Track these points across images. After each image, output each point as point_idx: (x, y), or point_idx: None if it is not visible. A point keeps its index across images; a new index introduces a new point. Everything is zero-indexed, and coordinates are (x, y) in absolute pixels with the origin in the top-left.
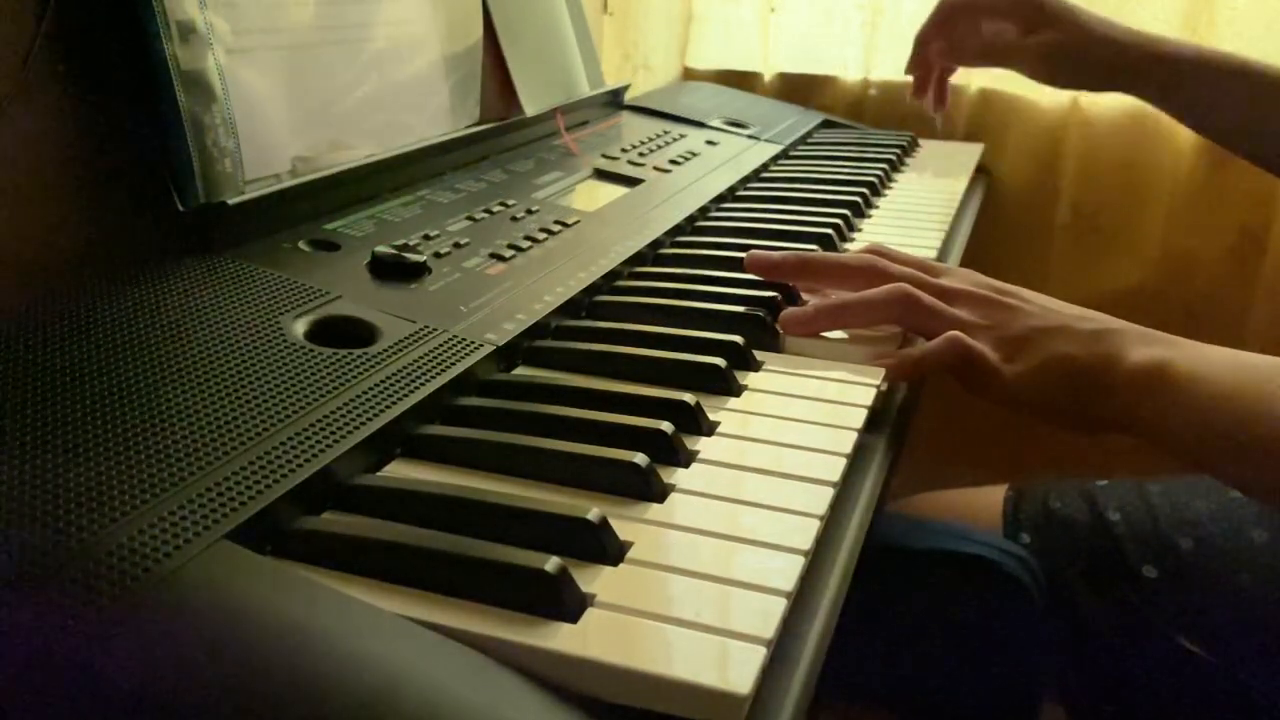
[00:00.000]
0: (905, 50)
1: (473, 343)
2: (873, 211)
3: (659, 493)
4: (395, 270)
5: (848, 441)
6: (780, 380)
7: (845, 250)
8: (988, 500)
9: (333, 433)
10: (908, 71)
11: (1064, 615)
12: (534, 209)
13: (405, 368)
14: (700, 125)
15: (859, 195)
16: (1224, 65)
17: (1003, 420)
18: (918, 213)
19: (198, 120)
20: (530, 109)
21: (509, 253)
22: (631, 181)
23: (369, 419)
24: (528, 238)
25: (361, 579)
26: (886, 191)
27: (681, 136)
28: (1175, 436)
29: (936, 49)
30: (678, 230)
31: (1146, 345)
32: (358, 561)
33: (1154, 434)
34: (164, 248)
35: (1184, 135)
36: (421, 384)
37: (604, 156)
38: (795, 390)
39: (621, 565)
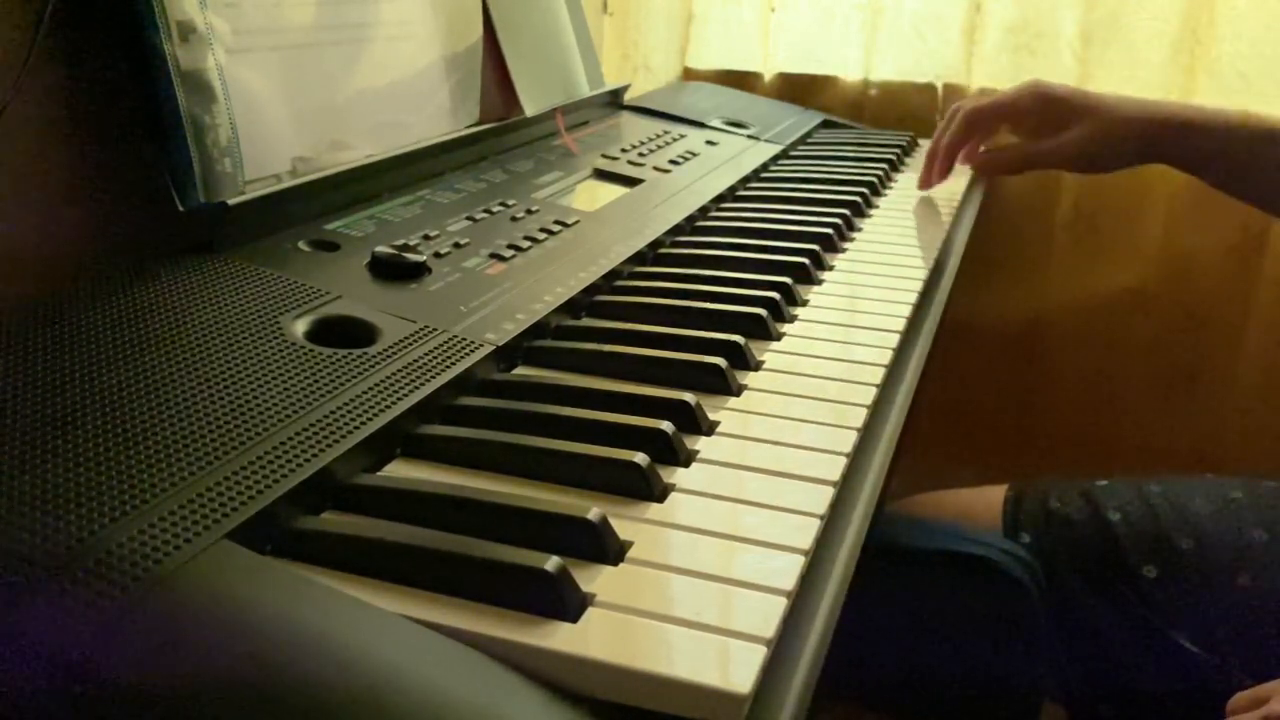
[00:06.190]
0: (905, 50)
1: (473, 343)
2: (873, 211)
3: (659, 492)
4: (395, 270)
5: (848, 441)
6: (780, 380)
7: (844, 250)
8: (988, 500)
9: (332, 433)
10: (935, 182)
11: (1064, 615)
12: (534, 209)
13: (405, 368)
14: (700, 125)
15: (859, 195)
16: (1257, 131)
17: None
18: (918, 212)
19: (198, 120)
20: (530, 109)
21: (509, 253)
22: (631, 181)
23: (369, 419)
24: (528, 238)
25: (361, 579)
26: (886, 191)
27: (681, 136)
28: None
29: (963, 154)
30: (678, 230)
31: None
32: (358, 561)
33: None
34: (164, 248)
35: None
36: (421, 384)
37: (604, 156)
38: (795, 390)
39: (621, 565)
